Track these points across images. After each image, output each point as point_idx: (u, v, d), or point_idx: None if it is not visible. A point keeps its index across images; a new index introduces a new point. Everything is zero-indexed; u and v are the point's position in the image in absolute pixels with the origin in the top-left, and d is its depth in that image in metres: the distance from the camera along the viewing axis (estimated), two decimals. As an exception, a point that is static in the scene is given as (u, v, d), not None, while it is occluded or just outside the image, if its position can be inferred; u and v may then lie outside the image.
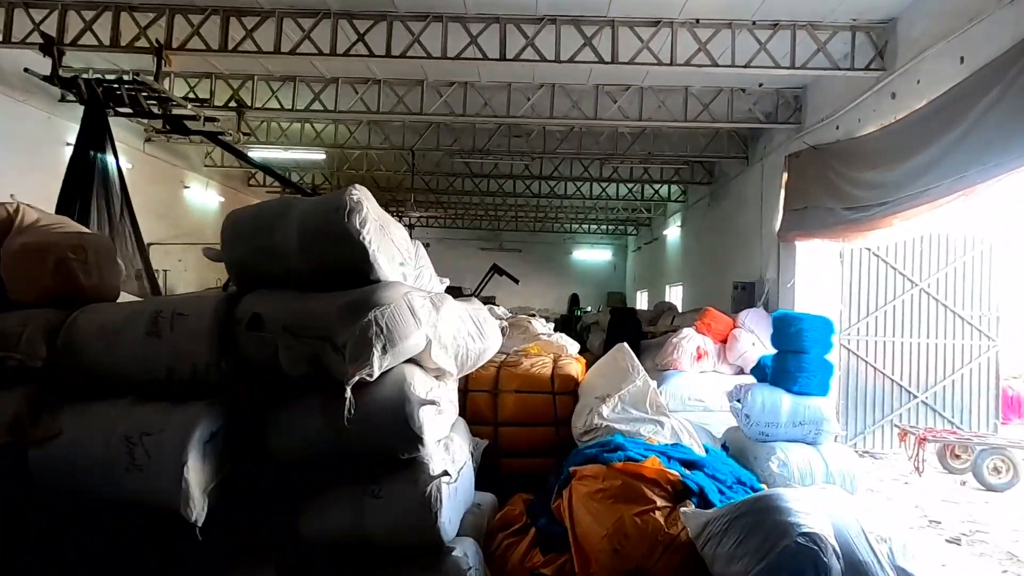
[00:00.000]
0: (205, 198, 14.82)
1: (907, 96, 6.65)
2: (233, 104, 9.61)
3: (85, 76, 7.54)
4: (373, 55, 7.45)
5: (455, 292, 14.84)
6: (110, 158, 7.56)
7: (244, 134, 9.77)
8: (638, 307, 19.35)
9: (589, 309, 21.48)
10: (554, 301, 25.98)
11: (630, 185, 16.36)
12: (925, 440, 7.41)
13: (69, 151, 10.42)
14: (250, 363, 3.34)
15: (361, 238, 3.31)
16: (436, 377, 3.91)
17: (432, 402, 3.30)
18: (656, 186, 16.22)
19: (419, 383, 3.42)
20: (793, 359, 6.88)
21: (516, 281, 16.02)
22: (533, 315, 7.28)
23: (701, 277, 14.54)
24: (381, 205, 3.69)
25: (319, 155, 12.62)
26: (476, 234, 25.69)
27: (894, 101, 6.93)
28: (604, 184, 16.22)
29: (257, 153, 12.29)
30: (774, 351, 7.27)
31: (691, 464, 4.26)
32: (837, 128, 8.18)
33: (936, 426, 8.43)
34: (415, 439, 3.29)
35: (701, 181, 14.11)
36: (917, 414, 8.73)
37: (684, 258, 16.51)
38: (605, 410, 4.94)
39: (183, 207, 13.92)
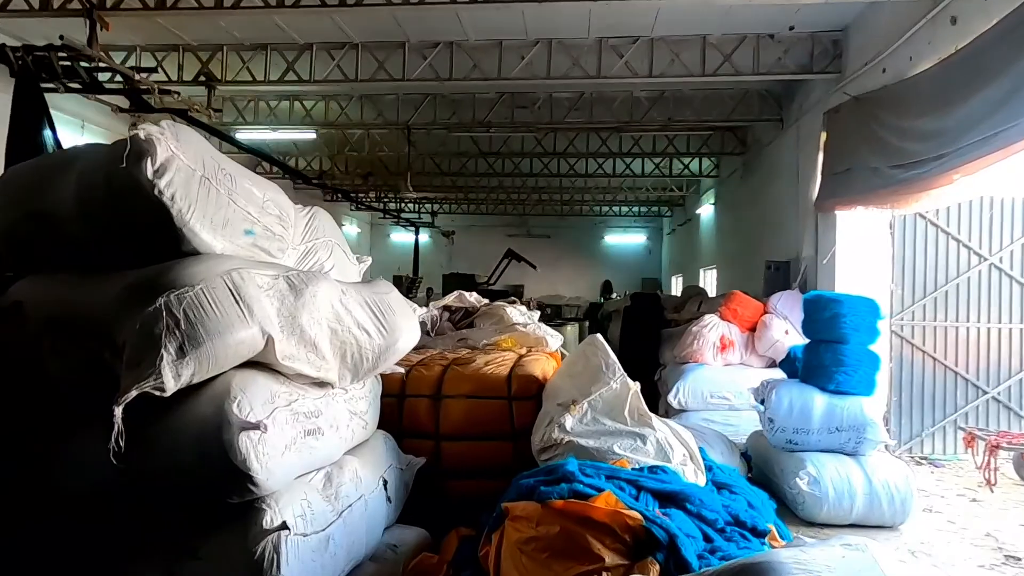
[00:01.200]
0: (205, 186, 14.18)
1: (971, 18, 5.27)
2: (202, 79, 8.80)
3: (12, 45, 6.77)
4: (328, 4, 6.46)
5: (467, 281, 13.93)
6: (48, 133, 6.80)
7: (215, 110, 8.96)
8: (674, 293, 18.01)
9: (615, 295, 20.19)
10: (586, 288, 24.76)
11: (656, 160, 15.05)
12: (998, 447, 6.06)
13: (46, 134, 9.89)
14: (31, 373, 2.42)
15: (157, 193, 2.32)
16: (319, 385, 2.94)
17: (255, 426, 2.29)
18: (685, 160, 14.86)
19: (255, 397, 2.43)
20: (829, 351, 5.64)
21: (533, 267, 14.96)
22: (514, 302, 6.22)
23: (735, 258, 13.16)
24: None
25: (309, 134, 11.77)
26: (502, 220, 24.65)
27: (954, 28, 5.55)
28: (628, 159, 14.95)
29: (245, 135, 11.54)
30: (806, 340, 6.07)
31: (669, 497, 3.16)
32: (884, 72, 6.80)
33: (1011, 428, 7.02)
34: (242, 477, 2.31)
35: (733, 151, 12.72)
36: (987, 414, 7.31)
37: (717, 238, 15.11)
38: (569, 421, 3.86)
39: (179, 196, 13.28)
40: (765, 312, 8.19)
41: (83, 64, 6.70)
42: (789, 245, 9.36)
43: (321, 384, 2.94)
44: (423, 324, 5.80)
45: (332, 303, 2.88)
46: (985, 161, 4.81)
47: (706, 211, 16.29)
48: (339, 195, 16.82)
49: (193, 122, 9.43)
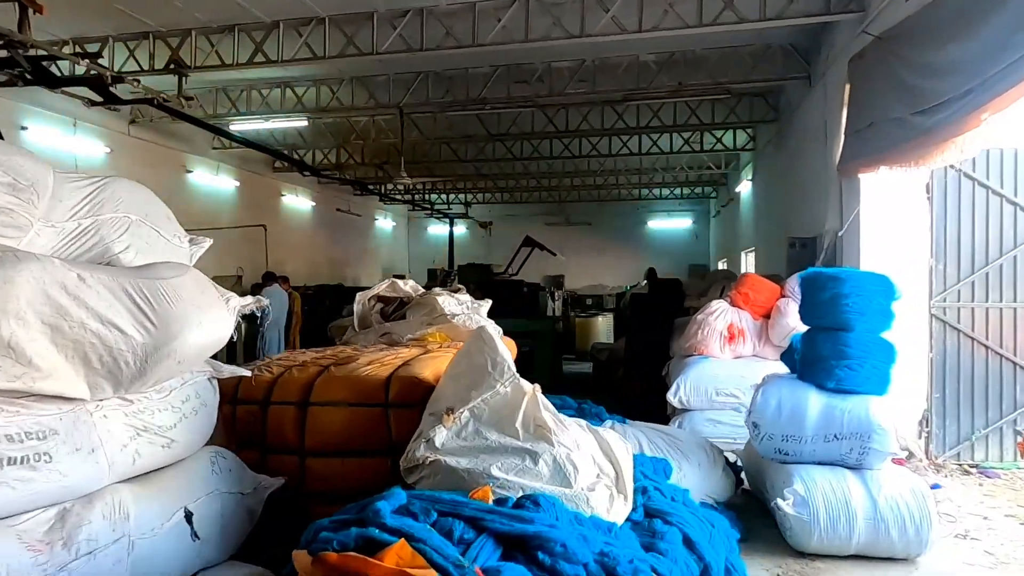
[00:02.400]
0: (216, 182, 14.04)
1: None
2: (172, 66, 8.41)
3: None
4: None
5: (485, 272, 13.21)
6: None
7: (186, 99, 8.56)
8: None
9: (644, 283, 18.98)
10: (630, 277, 23.54)
11: (686, 135, 13.86)
12: (1060, 457, 4.87)
13: (25, 136, 9.81)
14: None
15: None
16: (58, 397, 2.30)
17: None
18: (718, 133, 13.62)
19: None
20: (828, 340, 4.62)
21: (554, 254, 14.07)
22: (459, 290, 5.44)
23: (771, 238, 11.89)
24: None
25: (301, 122, 11.31)
26: (539, 208, 23.80)
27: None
28: (654, 135, 13.85)
29: (238, 126, 11.20)
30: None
31: (519, 542, 2.36)
32: (907, 0, 5.61)
33: (1083, 431, 5.74)
34: None
35: (765, 119, 11.46)
36: (1052, 413, 6.05)
37: (755, 217, 13.80)
38: (440, 435, 3.09)
39: (187, 193, 13.15)
40: (782, 296, 7.11)
41: (22, 53, 6.34)
42: (816, 219, 8.18)
43: (67, 397, 2.30)
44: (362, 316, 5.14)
45: (48, 292, 2.21)
46: (1016, 93, 3.69)
47: (745, 188, 14.97)
48: (361, 188, 16.45)
49: (174, 113, 9.14)
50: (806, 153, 9.03)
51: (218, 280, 10.58)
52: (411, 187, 19.71)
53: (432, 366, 3.58)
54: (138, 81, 7.71)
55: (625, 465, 3.47)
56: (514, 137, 13.23)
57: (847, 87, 6.93)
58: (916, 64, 5.16)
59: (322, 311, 11.98)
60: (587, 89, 9.70)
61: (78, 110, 10.18)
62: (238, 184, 14.73)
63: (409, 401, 3.41)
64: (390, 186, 19.97)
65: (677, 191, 21.34)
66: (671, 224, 24.08)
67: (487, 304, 5.38)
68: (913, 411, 6.33)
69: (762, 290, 7.30)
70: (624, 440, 3.79)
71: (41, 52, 6.49)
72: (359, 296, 5.11)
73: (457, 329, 4.61)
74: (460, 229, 24.69)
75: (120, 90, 8.59)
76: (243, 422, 3.59)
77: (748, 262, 14.82)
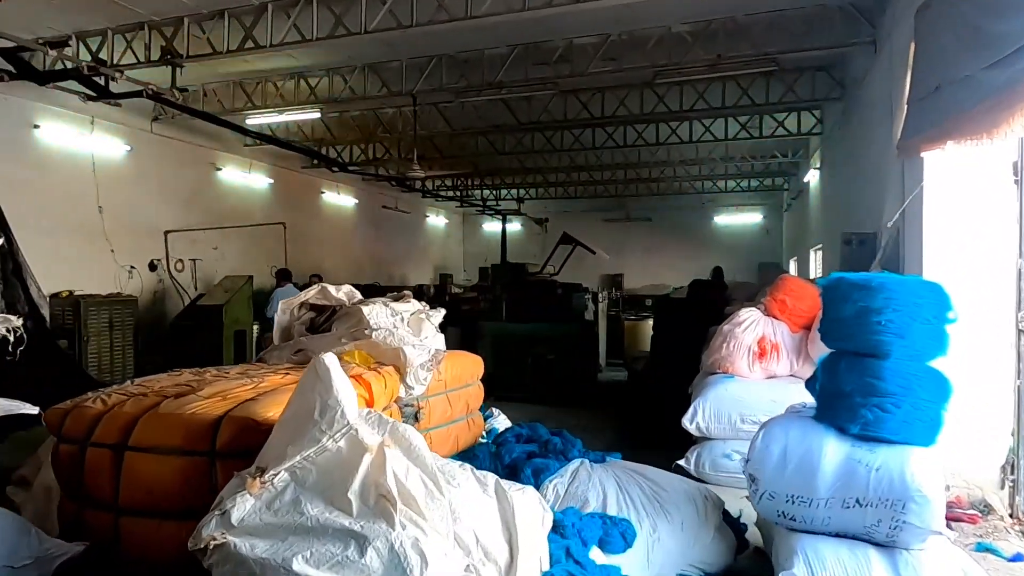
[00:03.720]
0: (248, 180, 13.82)
1: None
2: (168, 57, 8.01)
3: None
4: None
5: (519, 271, 12.31)
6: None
7: (180, 90, 8.15)
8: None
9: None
10: (693, 275, 21.97)
11: (742, 119, 12.45)
12: None
13: (38, 134, 9.73)
14: None
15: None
16: None
17: None
18: (780, 115, 12.15)
19: None
20: (852, 369, 3.46)
21: (593, 252, 12.98)
22: (401, 296, 4.57)
23: (835, 232, 10.39)
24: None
25: (314, 114, 10.77)
26: (596, 204, 22.63)
27: None
28: (706, 120, 12.52)
29: (254, 120, 10.81)
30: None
31: None
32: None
33: None
34: None
35: (830, 96, 9.98)
36: None
37: (822, 210, 12.22)
38: (241, 506, 2.28)
39: (216, 191, 12.97)
40: (825, 304, 5.85)
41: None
42: (879, 211, 6.82)
43: None
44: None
45: None
46: None
47: (813, 178, 13.36)
48: (399, 183, 15.92)
49: (181, 108, 8.80)
50: (871, 133, 7.62)
51: (229, 280, 10.13)
52: (458, 183, 19.09)
53: (271, 406, 2.76)
54: (121, 72, 7.31)
55: (527, 544, 2.54)
56: (547, 126, 12.25)
57: (912, 46, 5.60)
58: (989, 4, 3.89)
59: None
60: (613, 67, 8.63)
61: (97, 109, 10.08)
62: (272, 181, 14.50)
63: (241, 450, 2.61)
64: (438, 182, 19.44)
65: (744, 183, 19.66)
66: (739, 219, 22.34)
67: (438, 315, 4.51)
68: (994, 454, 4.98)
69: (803, 296, 6.10)
70: (543, 505, 2.85)
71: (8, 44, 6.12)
72: (283, 304, 4.37)
73: (377, 347, 3.77)
74: (515, 226, 23.88)
75: (123, 85, 8.37)
76: (63, 465, 2.91)
77: (816, 261, 13.22)
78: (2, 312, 7.06)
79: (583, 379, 10.06)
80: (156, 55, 8.16)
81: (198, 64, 8.96)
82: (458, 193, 19.76)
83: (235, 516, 2.21)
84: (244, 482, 2.28)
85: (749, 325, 6.10)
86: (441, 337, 4.40)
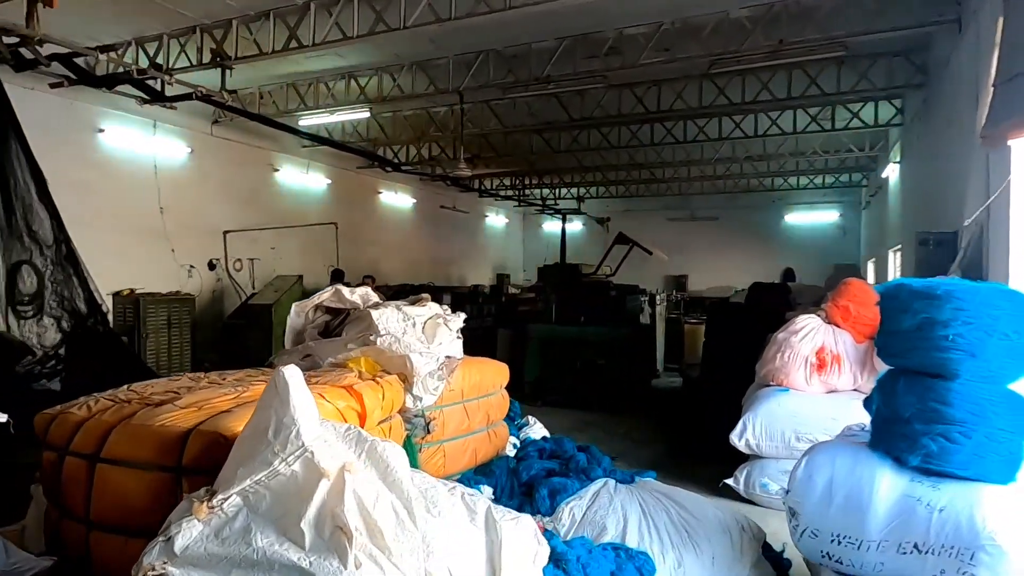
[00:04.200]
0: (306, 180, 14.04)
1: None
2: (218, 60, 8.13)
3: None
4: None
5: (572, 272, 11.97)
6: (12, 137, 6.48)
7: (229, 92, 8.26)
8: (870, 280, 14.04)
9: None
10: (762, 277, 20.89)
11: (813, 111, 11.65)
12: None
13: (102, 138, 10.11)
14: None
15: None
16: None
17: None
18: (855, 106, 11.29)
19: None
20: (913, 390, 2.98)
21: (650, 252, 12.46)
22: (419, 300, 4.31)
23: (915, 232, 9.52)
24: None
25: (363, 113, 10.75)
26: (660, 203, 21.94)
27: None
28: (773, 113, 11.80)
29: (306, 121, 10.90)
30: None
31: None
32: None
33: None
34: None
35: (910, 83, 9.14)
36: None
37: (902, 208, 11.27)
38: (187, 532, 2.09)
39: (273, 191, 13.22)
40: (894, 311, 5.25)
41: (23, 49, 6.23)
42: (960, 208, 6.11)
43: None
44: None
45: None
46: None
47: (892, 173, 12.36)
48: (453, 182, 15.84)
49: (223, 107, 8.93)
50: (954, 122, 6.87)
51: (279, 279, 10.23)
52: (516, 182, 18.86)
53: (241, 420, 2.56)
54: (170, 75, 7.44)
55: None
56: (602, 122, 11.83)
57: (1000, 21, 4.94)
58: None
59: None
60: (666, 58, 8.16)
61: (157, 112, 10.39)
62: (329, 182, 14.68)
63: (209, 466, 2.41)
64: (496, 182, 19.29)
65: (818, 179, 18.54)
66: (813, 218, 21.12)
67: (457, 320, 4.25)
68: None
69: (868, 303, 5.50)
70: (537, 538, 2.55)
71: (67, 51, 6.31)
72: (296, 306, 4.22)
73: (383, 354, 3.55)
74: (576, 226, 23.46)
75: (177, 88, 8.58)
76: (46, 473, 2.83)
77: (896, 263, 12.23)
78: (58, 307, 7.31)
79: (635, 385, 9.63)
80: (207, 58, 8.31)
81: (252, 67, 9.15)
82: (516, 192, 19.52)
83: (179, 544, 2.02)
84: (192, 506, 2.09)
85: (807, 333, 5.57)
86: (459, 343, 4.15)
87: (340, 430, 2.47)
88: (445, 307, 4.41)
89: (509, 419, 6.20)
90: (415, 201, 18.20)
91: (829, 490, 3.03)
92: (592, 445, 4.43)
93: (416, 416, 3.68)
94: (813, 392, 5.49)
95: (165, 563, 2.00)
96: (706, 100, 10.26)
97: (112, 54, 7.15)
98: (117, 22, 8.11)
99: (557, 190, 20.71)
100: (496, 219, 23.61)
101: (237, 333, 10.29)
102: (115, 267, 9.54)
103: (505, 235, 24.58)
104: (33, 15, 6.11)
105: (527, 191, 20.02)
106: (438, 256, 19.40)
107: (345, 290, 4.25)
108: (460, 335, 4.37)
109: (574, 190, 21.29)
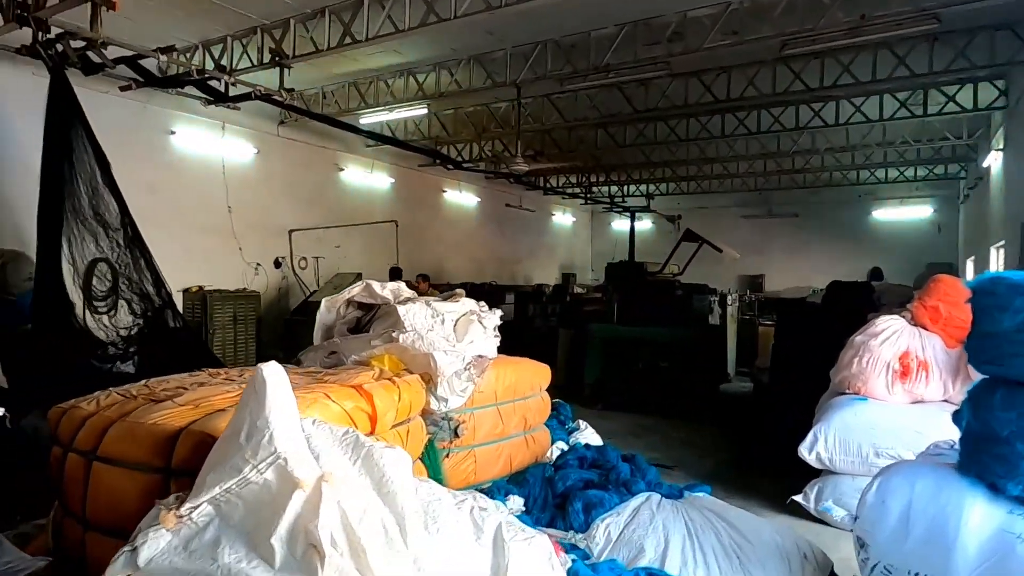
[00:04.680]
0: (370, 180, 14.16)
1: None
2: (277, 59, 8.22)
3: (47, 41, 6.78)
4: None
5: (637, 270, 11.53)
6: (79, 126, 6.72)
7: (287, 90, 8.34)
8: (969, 279, 12.82)
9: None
10: (846, 277, 19.59)
11: (901, 95, 10.72)
12: None
13: (173, 140, 10.46)
14: None
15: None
16: None
17: None
18: (950, 89, 10.31)
19: None
20: (1012, 404, 2.52)
21: (719, 250, 11.83)
22: (452, 296, 4.08)
23: (1021, 224, 8.57)
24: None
25: (421, 110, 10.66)
26: (735, 199, 21.05)
27: None
28: (856, 99, 10.94)
29: (367, 119, 10.94)
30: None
31: None
32: None
33: None
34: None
35: (1016, 60, 8.21)
36: None
37: (1006, 199, 10.18)
38: (154, 542, 1.92)
39: (338, 190, 13.39)
40: (993, 313, 4.62)
41: (90, 52, 6.43)
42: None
43: None
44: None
45: None
46: None
47: (995, 162, 11.23)
48: (516, 179, 15.64)
49: (280, 104, 9.03)
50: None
51: (339, 277, 10.29)
52: (582, 179, 18.48)
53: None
54: (230, 75, 7.56)
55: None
56: (669, 114, 11.31)
57: None
58: None
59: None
60: (733, 41, 7.62)
61: (225, 114, 10.68)
62: (393, 181, 14.77)
63: (197, 469, 2.26)
64: (563, 179, 18.98)
65: (909, 172, 17.22)
66: (904, 213, 19.63)
67: (493, 317, 3.99)
68: None
69: (961, 303, 4.84)
70: (552, 562, 2.27)
71: (131, 53, 6.49)
72: (326, 301, 4.08)
73: (407, 352, 3.34)
74: (645, 224, 22.79)
75: (240, 88, 8.77)
76: (52, 468, 2.76)
77: (999, 261, 11.11)
78: (127, 290, 7.48)
79: (700, 389, 9.10)
80: (267, 58, 8.42)
81: (314, 67, 9.25)
82: (582, 190, 19.12)
83: (143, 555, 1.85)
84: (154, 517, 1.92)
85: (889, 336, 5.00)
86: (494, 342, 3.90)
87: (336, 434, 2.26)
88: (482, 303, 4.17)
89: (559, 423, 5.90)
90: (480, 200, 18.12)
91: (906, 519, 2.58)
92: (638, 454, 4.08)
93: (442, 419, 3.45)
94: (896, 402, 4.92)
95: (130, 574, 1.83)
96: (780, 87, 9.60)
97: (175, 55, 7.31)
98: (184, 25, 8.34)
99: (625, 187, 20.17)
100: (563, 218, 23.26)
101: (298, 329, 10.42)
102: (184, 265, 9.84)
103: (572, 234, 24.19)
104: (97, 18, 6.29)
105: (594, 189, 19.58)
106: (503, 255, 19.25)
107: (376, 284, 4.08)
108: (497, 333, 4.12)
109: (643, 187, 20.68)
